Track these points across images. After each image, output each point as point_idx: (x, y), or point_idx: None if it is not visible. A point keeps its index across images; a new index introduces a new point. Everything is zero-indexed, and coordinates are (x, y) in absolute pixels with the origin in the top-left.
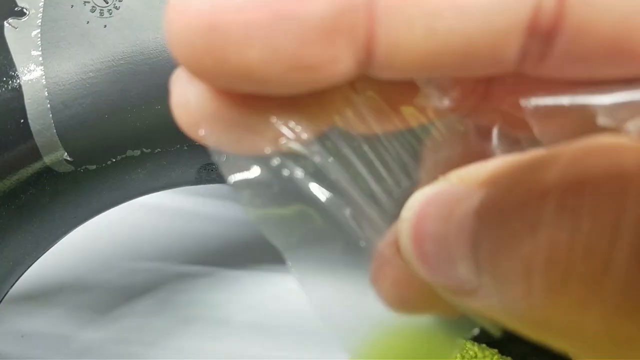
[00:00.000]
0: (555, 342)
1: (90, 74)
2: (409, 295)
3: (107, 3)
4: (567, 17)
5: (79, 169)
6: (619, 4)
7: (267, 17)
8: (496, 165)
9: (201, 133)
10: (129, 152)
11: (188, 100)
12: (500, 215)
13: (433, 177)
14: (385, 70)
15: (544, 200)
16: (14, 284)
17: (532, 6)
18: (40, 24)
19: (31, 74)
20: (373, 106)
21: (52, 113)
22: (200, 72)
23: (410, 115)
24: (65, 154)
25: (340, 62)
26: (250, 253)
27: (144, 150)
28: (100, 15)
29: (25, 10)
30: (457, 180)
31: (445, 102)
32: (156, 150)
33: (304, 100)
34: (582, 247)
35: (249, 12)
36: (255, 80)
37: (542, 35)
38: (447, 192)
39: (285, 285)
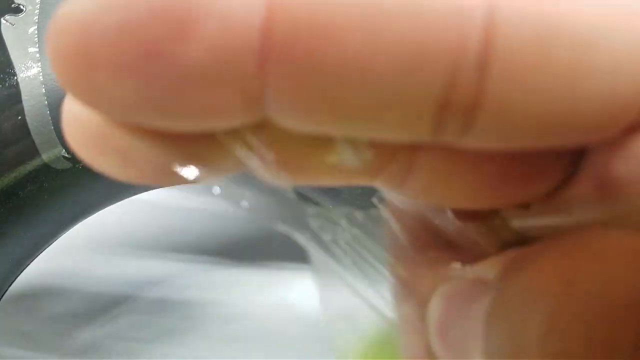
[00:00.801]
0: None
1: None
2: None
3: None
4: (488, 95)
5: (77, 165)
6: (542, 85)
7: (141, 56)
8: (504, 262)
9: (86, 156)
10: None
11: (76, 118)
12: (510, 323)
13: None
14: (276, 121)
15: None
16: (13, 281)
17: (442, 86)
18: (37, 20)
19: (28, 71)
20: (281, 155)
21: (49, 110)
22: (77, 97)
23: (322, 171)
24: (63, 150)
25: (226, 111)
26: (251, 250)
27: None
28: None
29: (22, 7)
30: (472, 276)
31: (360, 163)
32: None
33: (193, 141)
34: None
35: (118, 45)
36: (130, 114)
37: (460, 111)
38: (463, 291)
39: (287, 283)
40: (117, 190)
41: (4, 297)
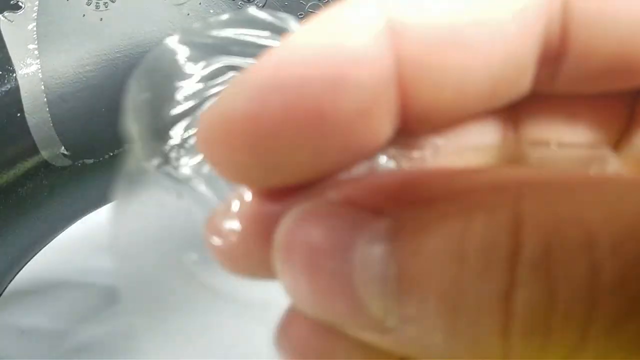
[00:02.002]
0: None
1: (87, 67)
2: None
3: None
4: (570, 44)
5: (76, 163)
6: (617, 28)
7: (310, 119)
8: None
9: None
10: (127, 146)
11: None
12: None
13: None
14: (417, 128)
15: (517, 256)
16: (12, 279)
17: (541, 44)
18: (36, 17)
19: (27, 68)
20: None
21: (48, 107)
22: (245, 180)
23: None
24: (63, 148)
25: (380, 136)
26: None
27: None
28: (96, 8)
29: (20, 3)
30: (342, 199)
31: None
32: None
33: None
34: (560, 314)
35: (291, 118)
36: (302, 174)
37: (550, 61)
38: (334, 223)
39: None
40: None
41: (3, 295)
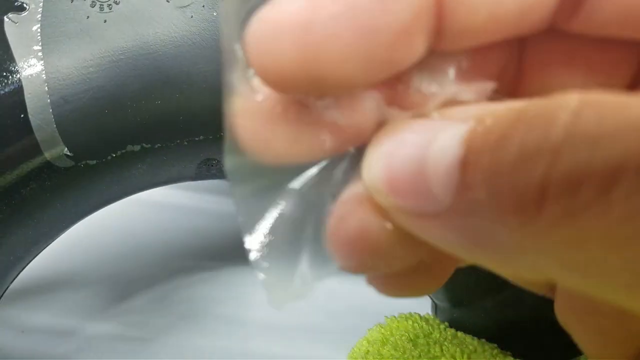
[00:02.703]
0: (525, 274)
1: (91, 69)
2: (367, 249)
3: None
4: None
5: (79, 164)
6: None
7: (359, 32)
8: (487, 107)
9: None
10: (129, 147)
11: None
12: (500, 145)
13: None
14: (449, 47)
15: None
16: (14, 279)
17: None
18: (40, 18)
19: (31, 69)
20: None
21: (52, 108)
22: (290, 88)
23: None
24: (66, 149)
25: (417, 51)
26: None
27: (144, 145)
28: (100, 10)
29: (25, 5)
30: (437, 115)
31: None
32: (156, 146)
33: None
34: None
35: (341, 28)
36: (346, 86)
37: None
38: (424, 124)
39: None
40: (118, 189)
41: (4, 294)
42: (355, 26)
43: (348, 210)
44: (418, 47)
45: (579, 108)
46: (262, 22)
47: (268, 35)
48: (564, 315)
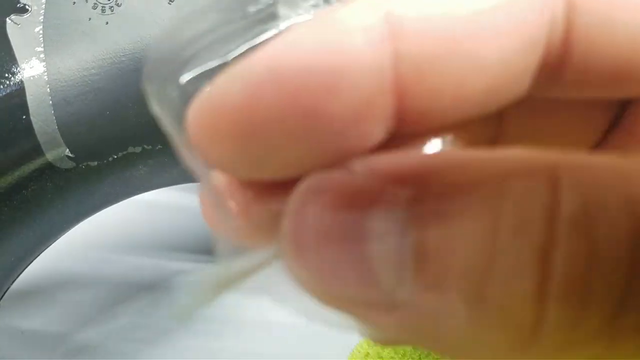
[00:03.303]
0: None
1: (92, 70)
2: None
3: (109, 0)
4: (574, 49)
5: (80, 165)
6: (615, 42)
7: (302, 118)
8: (427, 160)
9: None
10: (130, 149)
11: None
12: (449, 219)
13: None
14: (412, 129)
15: (556, 214)
16: (14, 280)
17: (542, 51)
18: (42, 20)
19: (33, 71)
20: None
21: (53, 109)
22: (228, 171)
23: None
24: (67, 150)
25: (373, 137)
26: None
27: (145, 147)
28: (102, 12)
29: (27, 7)
30: (364, 169)
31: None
32: (157, 147)
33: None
34: (600, 276)
35: (282, 115)
36: (289, 170)
37: (551, 69)
38: (349, 184)
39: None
40: (119, 190)
41: (4, 296)
42: (297, 112)
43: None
44: (375, 133)
45: (570, 178)
46: (201, 102)
47: (206, 116)
48: None
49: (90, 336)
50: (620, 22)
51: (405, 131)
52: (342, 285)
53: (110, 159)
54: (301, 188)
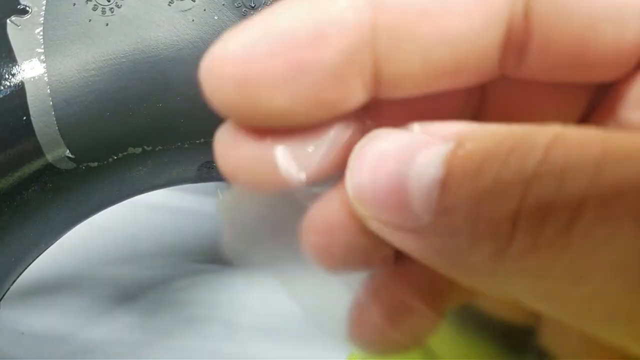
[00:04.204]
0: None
1: (92, 71)
2: (338, 241)
3: (109, 1)
4: (533, 31)
5: (80, 166)
6: (574, 20)
7: (290, 68)
8: (468, 128)
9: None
10: (131, 150)
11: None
12: (481, 169)
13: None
14: (390, 95)
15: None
16: (14, 281)
17: (504, 28)
18: (42, 21)
19: (33, 72)
20: None
21: (54, 110)
22: (232, 114)
23: None
24: (67, 151)
25: (354, 96)
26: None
27: (145, 147)
28: (102, 13)
29: (27, 8)
30: (418, 128)
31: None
32: (157, 148)
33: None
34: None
35: (273, 64)
36: (281, 118)
37: (514, 47)
38: (406, 138)
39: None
40: (119, 191)
41: (5, 297)
42: (286, 63)
43: (325, 208)
44: (355, 92)
45: (552, 142)
46: (210, 56)
47: (213, 67)
48: (548, 337)
49: (89, 337)
50: (575, 5)
51: (384, 97)
52: (384, 208)
53: (111, 159)
54: (373, 133)
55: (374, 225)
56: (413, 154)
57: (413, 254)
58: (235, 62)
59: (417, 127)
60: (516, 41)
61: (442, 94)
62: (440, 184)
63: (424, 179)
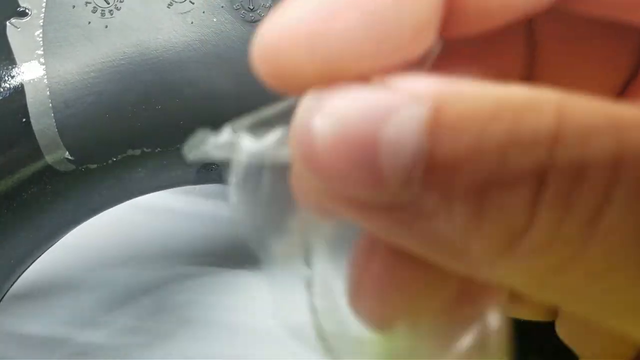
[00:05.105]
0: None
1: (92, 73)
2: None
3: (109, 4)
4: None
5: (80, 167)
6: None
7: (365, 19)
8: (462, 86)
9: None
10: (130, 152)
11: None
12: (468, 139)
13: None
14: (461, 33)
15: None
16: (13, 283)
17: None
18: (42, 24)
19: (33, 74)
20: None
21: (53, 112)
22: (299, 80)
23: None
24: (67, 153)
25: (428, 41)
26: (249, 254)
27: (145, 149)
28: (102, 15)
29: (27, 10)
30: (388, 87)
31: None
32: (156, 150)
33: None
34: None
35: (348, 16)
36: (351, 68)
37: None
38: (372, 97)
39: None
40: (118, 193)
41: (3, 299)
42: (365, 17)
43: (367, 259)
44: (428, 37)
45: (561, 106)
46: (272, 25)
47: (281, 33)
48: (564, 329)
49: (88, 340)
50: None
51: (453, 35)
52: (350, 184)
53: (110, 161)
54: (318, 94)
55: (330, 203)
56: (383, 117)
57: (380, 235)
58: (310, 21)
59: (379, 82)
60: None
61: (499, 51)
62: (423, 152)
63: (400, 146)
